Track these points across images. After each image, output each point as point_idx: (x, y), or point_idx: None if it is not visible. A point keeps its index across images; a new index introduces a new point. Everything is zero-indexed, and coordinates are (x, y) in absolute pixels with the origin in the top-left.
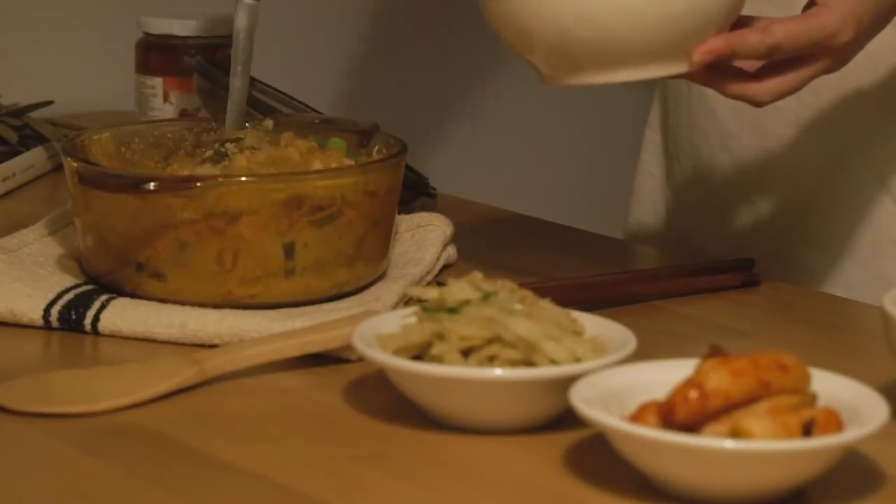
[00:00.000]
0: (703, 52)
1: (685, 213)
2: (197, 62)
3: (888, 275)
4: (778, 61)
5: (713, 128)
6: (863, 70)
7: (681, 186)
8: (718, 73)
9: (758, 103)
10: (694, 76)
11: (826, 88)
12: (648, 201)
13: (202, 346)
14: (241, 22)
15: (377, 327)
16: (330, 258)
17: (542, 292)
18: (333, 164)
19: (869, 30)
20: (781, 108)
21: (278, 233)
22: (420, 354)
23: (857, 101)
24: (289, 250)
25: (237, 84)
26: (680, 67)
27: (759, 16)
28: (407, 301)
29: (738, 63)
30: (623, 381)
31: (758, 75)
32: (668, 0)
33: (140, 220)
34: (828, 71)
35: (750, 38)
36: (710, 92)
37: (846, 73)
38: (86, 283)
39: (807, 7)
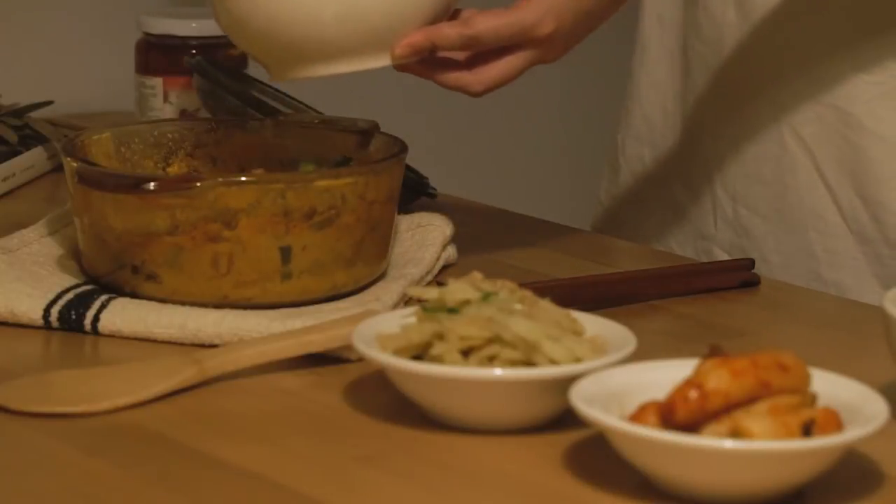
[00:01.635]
0: (403, 46)
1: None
2: (197, 62)
3: (814, 248)
4: (488, 52)
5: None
6: (789, 51)
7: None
8: (432, 64)
9: (473, 94)
10: (409, 68)
11: (751, 65)
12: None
13: (202, 346)
14: None
15: (377, 327)
16: (328, 261)
17: (542, 292)
18: None
19: (573, 24)
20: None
21: (275, 236)
22: (420, 354)
23: (784, 78)
24: (285, 254)
25: None
26: (385, 61)
27: (475, 9)
28: (407, 301)
29: (452, 54)
30: (623, 381)
31: (469, 65)
32: (369, 3)
33: (139, 221)
34: (539, 61)
35: (449, 31)
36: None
37: (769, 51)
38: (85, 283)
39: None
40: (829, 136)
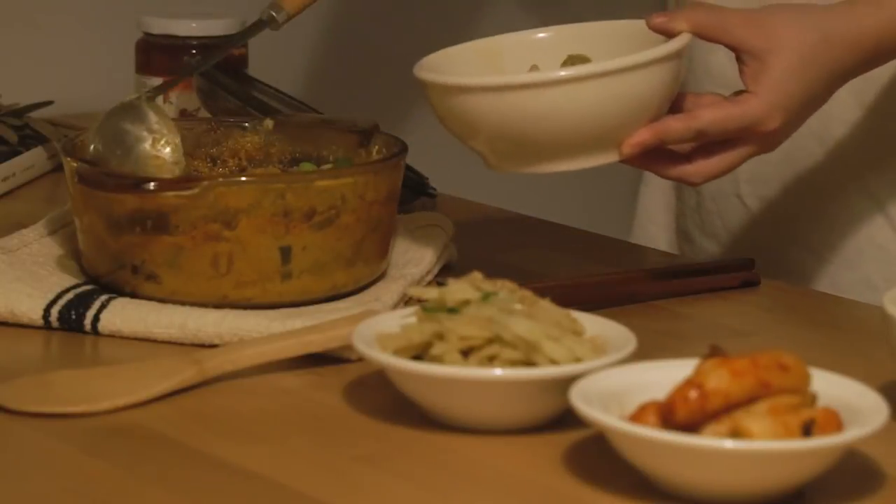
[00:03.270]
0: (631, 145)
1: (686, 214)
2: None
3: (872, 278)
4: (708, 143)
5: None
6: (853, 102)
7: (681, 188)
8: (653, 157)
9: (692, 184)
10: (631, 162)
11: (821, 113)
12: (654, 205)
13: (202, 346)
14: None
15: (377, 327)
16: (328, 260)
17: (542, 292)
18: None
19: (799, 115)
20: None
21: (275, 236)
22: (420, 354)
23: (853, 129)
24: (286, 254)
25: None
26: (613, 157)
27: (692, 93)
28: (407, 301)
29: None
30: (623, 381)
31: (690, 157)
32: (602, 105)
33: (139, 221)
34: (758, 154)
35: (675, 126)
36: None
37: (838, 101)
38: (85, 283)
39: (739, 91)
40: (886, 162)
